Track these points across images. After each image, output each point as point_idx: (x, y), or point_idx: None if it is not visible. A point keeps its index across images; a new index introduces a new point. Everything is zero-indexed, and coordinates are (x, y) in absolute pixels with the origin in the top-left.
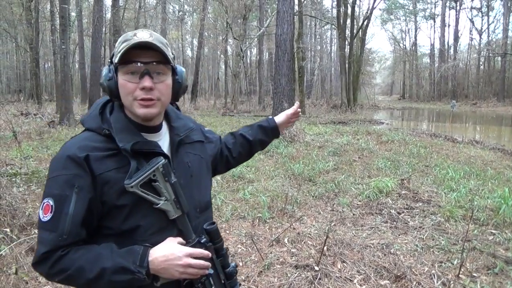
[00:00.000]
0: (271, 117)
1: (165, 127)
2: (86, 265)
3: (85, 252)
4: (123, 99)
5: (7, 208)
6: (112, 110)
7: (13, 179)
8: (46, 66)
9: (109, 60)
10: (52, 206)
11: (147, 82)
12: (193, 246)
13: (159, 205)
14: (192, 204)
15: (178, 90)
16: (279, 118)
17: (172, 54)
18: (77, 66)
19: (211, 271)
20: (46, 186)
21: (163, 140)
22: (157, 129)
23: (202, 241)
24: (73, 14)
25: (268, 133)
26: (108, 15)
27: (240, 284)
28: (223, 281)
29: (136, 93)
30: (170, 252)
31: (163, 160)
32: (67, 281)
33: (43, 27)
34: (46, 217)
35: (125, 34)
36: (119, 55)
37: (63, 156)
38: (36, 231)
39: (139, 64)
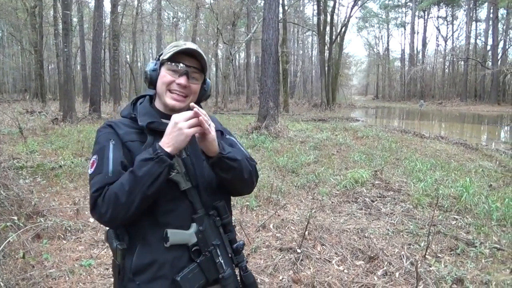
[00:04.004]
0: None
1: None
2: (123, 180)
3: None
4: (159, 87)
5: (15, 198)
6: (142, 103)
7: (20, 172)
8: (49, 67)
9: (157, 58)
10: (96, 158)
11: (183, 80)
12: (201, 217)
13: (171, 176)
14: (202, 182)
15: (202, 96)
16: None
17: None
18: (78, 68)
19: (218, 242)
20: (93, 150)
21: None
22: None
23: (210, 212)
24: (74, 19)
25: None
26: (108, 21)
27: (247, 261)
28: (230, 255)
29: (171, 86)
30: (168, 131)
31: None
32: (114, 206)
33: (47, 32)
34: (91, 169)
35: (176, 41)
36: (168, 54)
37: (104, 124)
38: (41, 219)
39: (181, 65)
